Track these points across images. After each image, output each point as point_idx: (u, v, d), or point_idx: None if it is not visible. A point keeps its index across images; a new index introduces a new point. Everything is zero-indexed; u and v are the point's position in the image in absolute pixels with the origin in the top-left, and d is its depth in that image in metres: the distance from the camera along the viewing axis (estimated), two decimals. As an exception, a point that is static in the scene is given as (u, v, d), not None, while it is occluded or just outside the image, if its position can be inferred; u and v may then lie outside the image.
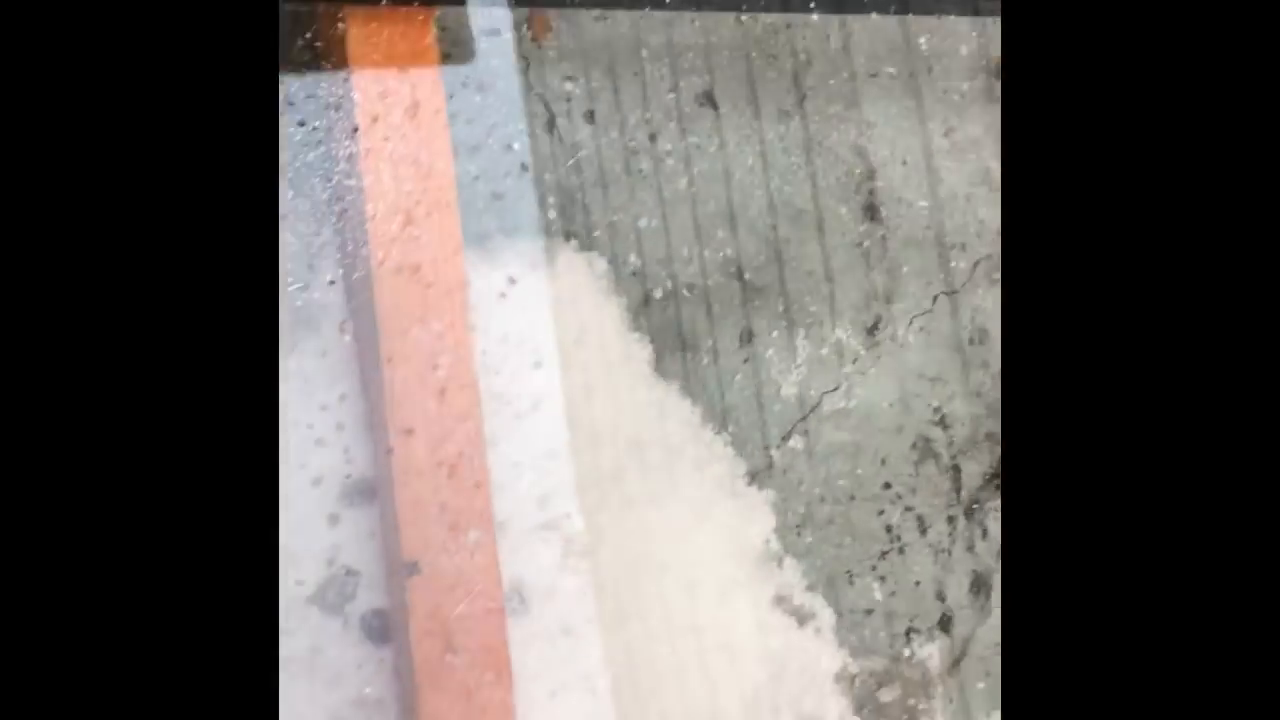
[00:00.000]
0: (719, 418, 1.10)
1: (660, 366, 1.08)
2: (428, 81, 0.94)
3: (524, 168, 1.05)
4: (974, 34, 1.25)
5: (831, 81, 1.18)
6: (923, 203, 1.21)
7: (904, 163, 1.21)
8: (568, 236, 1.06)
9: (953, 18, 1.22)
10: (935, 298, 1.21)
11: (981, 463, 1.19)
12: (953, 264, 1.22)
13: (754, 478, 1.11)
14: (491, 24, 1.05)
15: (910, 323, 1.20)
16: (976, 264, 1.22)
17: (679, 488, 1.06)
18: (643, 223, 1.09)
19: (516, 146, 1.05)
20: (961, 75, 1.24)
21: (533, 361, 1.03)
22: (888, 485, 1.16)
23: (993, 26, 1.24)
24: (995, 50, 1.25)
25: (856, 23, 1.20)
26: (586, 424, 1.03)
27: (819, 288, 1.16)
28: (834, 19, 1.18)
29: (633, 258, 1.08)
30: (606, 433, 1.04)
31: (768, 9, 1.15)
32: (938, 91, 1.22)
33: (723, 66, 1.13)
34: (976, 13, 1.23)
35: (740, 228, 1.14)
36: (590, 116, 1.09)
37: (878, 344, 1.18)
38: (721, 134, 1.14)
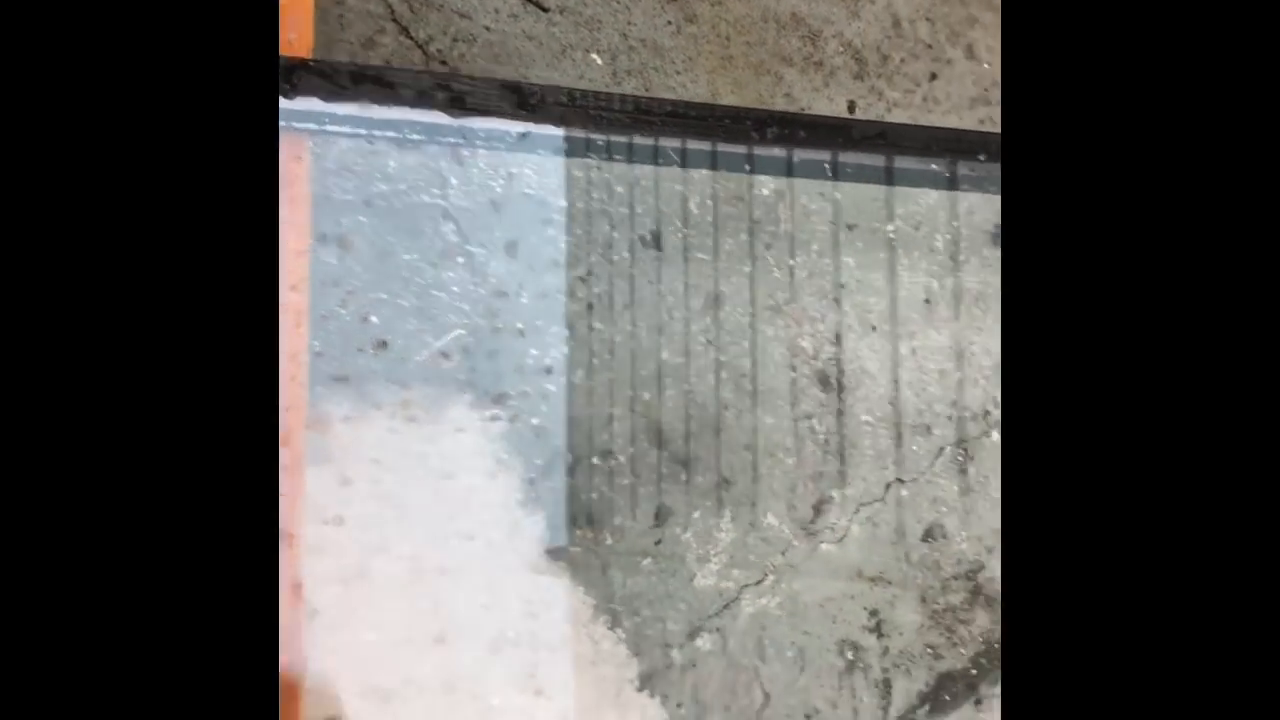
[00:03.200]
0: (614, 610, 0.96)
1: (553, 546, 0.94)
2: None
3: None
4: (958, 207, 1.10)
5: (800, 232, 1.04)
6: (887, 376, 1.07)
7: (873, 329, 1.06)
8: (463, 387, 0.92)
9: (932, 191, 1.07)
10: (888, 485, 1.06)
11: (916, 679, 1.05)
12: (914, 448, 1.07)
13: (646, 681, 0.96)
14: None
15: (856, 511, 1.05)
16: (941, 451, 1.08)
17: (552, 693, 0.92)
18: (557, 374, 0.95)
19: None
20: (946, 234, 1.09)
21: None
22: (804, 697, 1.01)
23: (974, 198, 1.09)
24: (980, 216, 1.10)
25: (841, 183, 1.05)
26: (450, 614, 0.89)
27: (756, 464, 1.02)
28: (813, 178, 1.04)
29: (537, 417, 0.94)
30: (470, 627, 0.90)
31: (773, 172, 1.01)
32: (919, 251, 1.07)
33: (671, 206, 0.99)
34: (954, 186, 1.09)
35: (670, 388, 0.99)
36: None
37: (815, 533, 1.03)
38: (661, 278, 0.99)
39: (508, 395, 0.93)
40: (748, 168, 1.02)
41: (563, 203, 0.95)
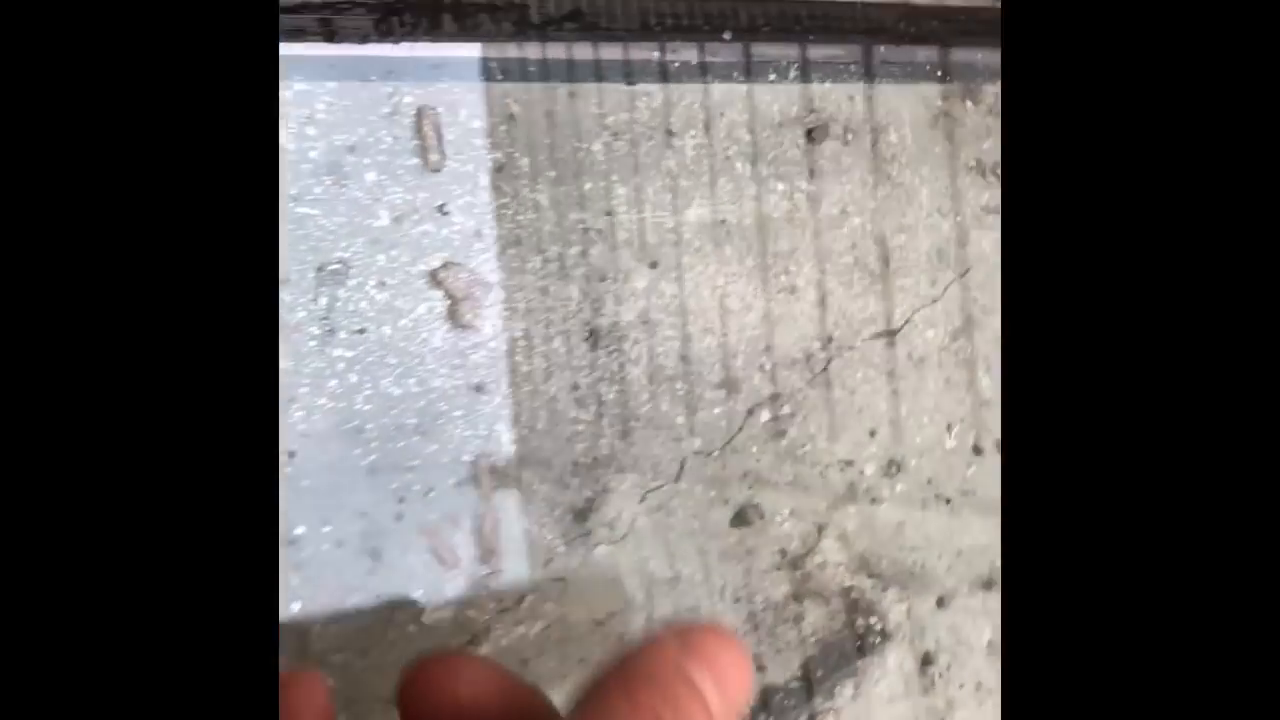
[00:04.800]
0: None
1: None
2: None
3: None
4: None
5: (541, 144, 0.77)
6: (674, 323, 0.82)
7: (653, 265, 0.81)
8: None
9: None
10: (683, 463, 0.82)
11: (733, 700, 0.83)
12: (715, 411, 0.83)
13: (363, 757, 0.73)
14: None
15: (642, 499, 0.82)
16: (750, 411, 0.84)
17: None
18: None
19: None
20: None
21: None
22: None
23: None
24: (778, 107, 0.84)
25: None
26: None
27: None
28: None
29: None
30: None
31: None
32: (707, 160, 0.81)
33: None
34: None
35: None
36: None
37: (588, 533, 0.80)
38: (346, 218, 0.72)
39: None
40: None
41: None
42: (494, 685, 0.34)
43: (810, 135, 0.85)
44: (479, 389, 0.75)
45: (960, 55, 0.88)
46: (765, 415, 0.85)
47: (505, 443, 0.76)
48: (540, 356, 0.77)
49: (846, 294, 0.87)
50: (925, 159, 0.90)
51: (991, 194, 0.92)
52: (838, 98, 0.85)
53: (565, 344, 0.77)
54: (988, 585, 0.91)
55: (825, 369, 0.87)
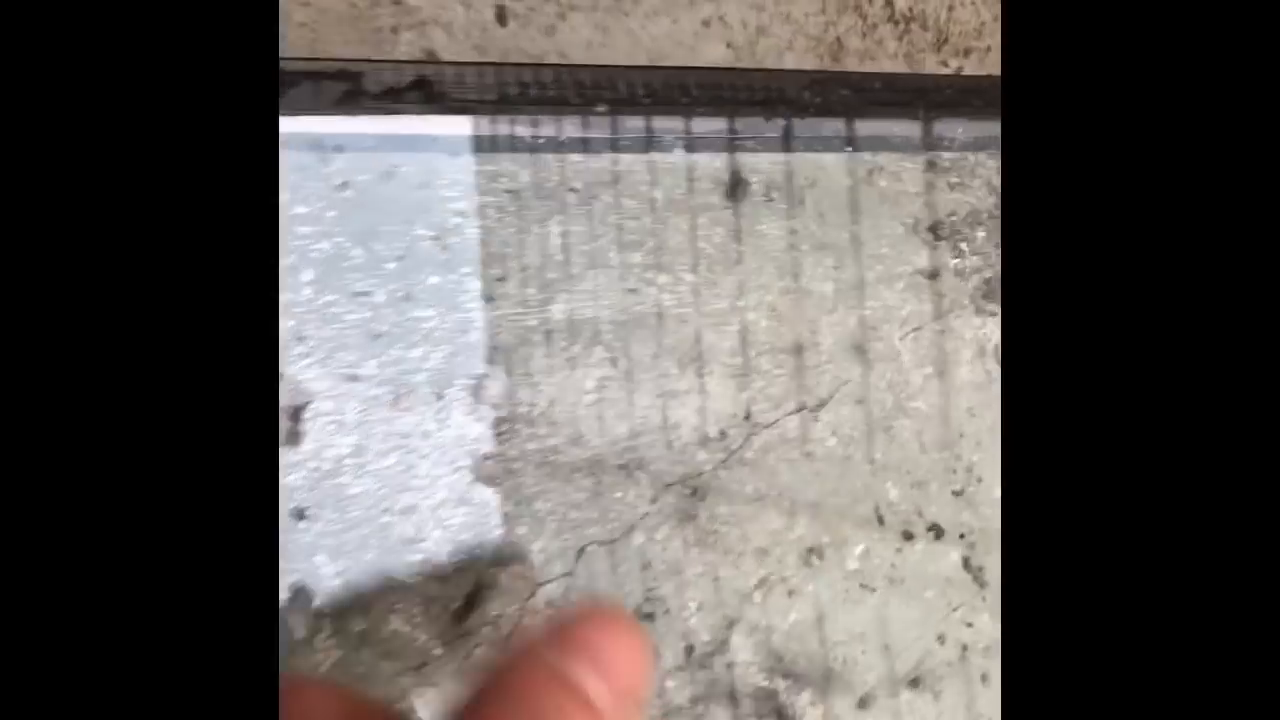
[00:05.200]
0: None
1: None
2: None
3: None
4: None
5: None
6: (569, 400, 0.73)
7: (548, 334, 0.72)
8: None
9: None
10: (581, 551, 0.74)
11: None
12: (617, 495, 0.75)
13: None
14: None
15: (531, 595, 0.74)
16: (655, 497, 0.76)
17: None
18: None
19: None
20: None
21: None
22: None
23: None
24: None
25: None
26: None
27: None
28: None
29: None
30: None
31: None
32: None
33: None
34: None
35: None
36: None
37: (468, 634, 0.72)
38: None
39: None
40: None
41: None
42: (340, 709, 0.32)
43: (713, 210, 0.77)
44: (299, 515, 0.66)
45: (871, 127, 0.80)
46: (670, 499, 0.77)
47: (327, 575, 0.67)
48: (371, 477, 0.68)
49: (761, 374, 0.80)
50: (832, 242, 0.82)
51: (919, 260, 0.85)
52: (753, 166, 0.78)
53: (402, 460, 0.68)
54: (914, 684, 0.83)
55: (740, 448, 0.79)
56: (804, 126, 0.72)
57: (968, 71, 0.88)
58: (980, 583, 0.86)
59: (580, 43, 0.75)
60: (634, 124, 0.69)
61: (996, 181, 0.87)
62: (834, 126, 0.74)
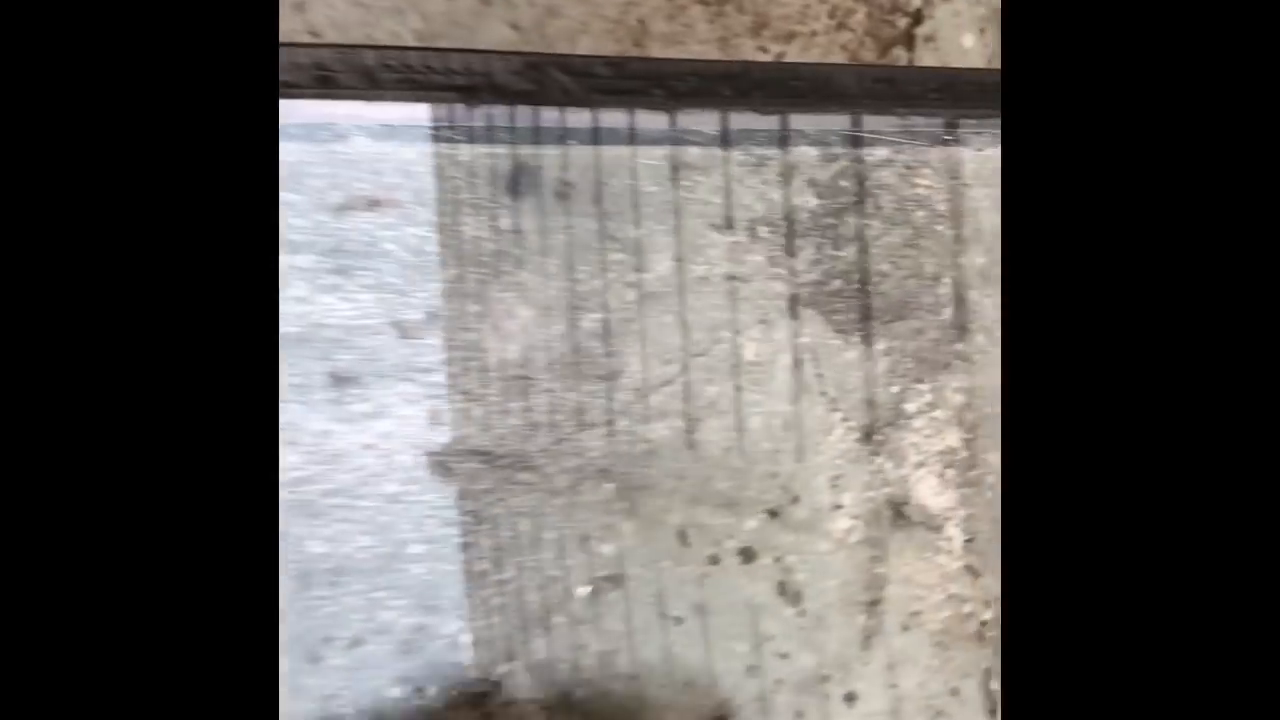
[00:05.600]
0: None
1: None
2: None
3: None
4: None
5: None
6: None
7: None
8: None
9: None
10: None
11: None
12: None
13: None
14: None
15: None
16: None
17: None
18: None
19: None
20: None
21: None
22: None
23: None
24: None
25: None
26: None
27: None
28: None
29: None
30: None
31: None
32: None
33: None
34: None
35: None
36: None
37: None
38: None
39: None
40: None
41: None
42: None
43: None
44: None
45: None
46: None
47: None
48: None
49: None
50: (628, 240, 0.76)
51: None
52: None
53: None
54: (718, 722, 0.77)
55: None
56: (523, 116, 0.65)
57: (790, 58, 0.82)
58: (799, 608, 0.80)
59: (330, 21, 0.68)
60: (317, 110, 0.61)
61: (818, 177, 0.81)
62: (582, 118, 0.67)
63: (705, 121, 0.75)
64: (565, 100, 0.57)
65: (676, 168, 0.76)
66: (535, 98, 0.54)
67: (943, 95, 0.73)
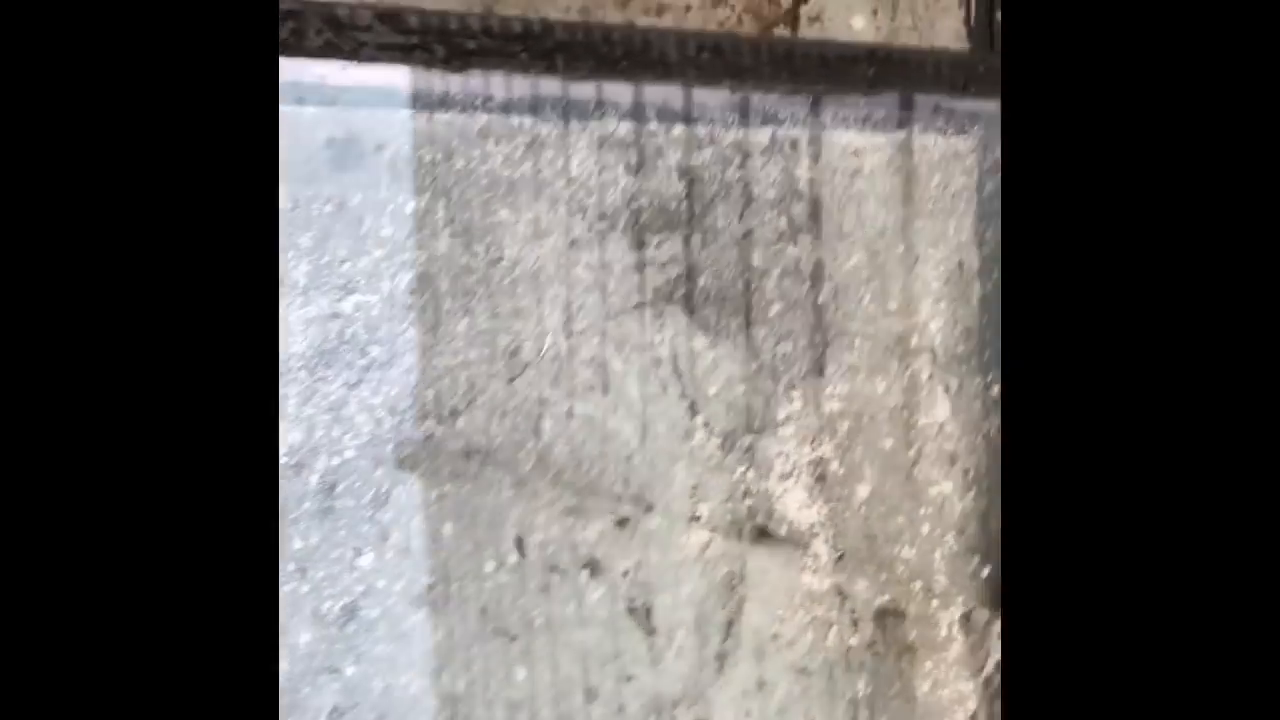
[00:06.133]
0: None
1: None
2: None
3: None
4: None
5: None
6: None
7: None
8: None
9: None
10: None
11: None
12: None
13: None
14: None
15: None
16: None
17: None
18: None
19: None
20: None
21: None
22: None
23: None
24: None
25: None
26: None
27: None
28: None
29: None
30: None
31: None
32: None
33: None
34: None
35: None
36: None
37: None
38: None
39: None
40: None
41: None
42: None
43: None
44: None
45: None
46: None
47: None
48: None
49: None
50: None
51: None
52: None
53: None
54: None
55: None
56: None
57: (664, 28, 0.76)
58: (647, 627, 0.73)
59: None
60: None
61: (691, 163, 0.75)
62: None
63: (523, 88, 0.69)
64: (326, 53, 0.50)
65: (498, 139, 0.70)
66: (289, 49, 0.48)
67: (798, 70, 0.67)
